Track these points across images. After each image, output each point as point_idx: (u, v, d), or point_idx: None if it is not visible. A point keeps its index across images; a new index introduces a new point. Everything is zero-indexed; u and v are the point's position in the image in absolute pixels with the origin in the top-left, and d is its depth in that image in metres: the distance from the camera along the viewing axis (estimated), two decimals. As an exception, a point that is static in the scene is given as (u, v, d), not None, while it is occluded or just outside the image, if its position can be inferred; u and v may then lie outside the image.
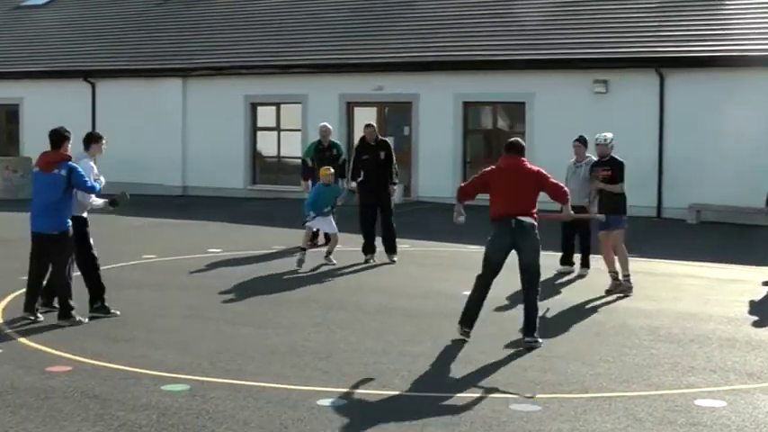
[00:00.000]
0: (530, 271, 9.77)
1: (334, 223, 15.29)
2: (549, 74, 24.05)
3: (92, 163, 11.09)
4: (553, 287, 13.20)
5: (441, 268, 14.75)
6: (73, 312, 10.62)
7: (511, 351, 9.49)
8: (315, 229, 15.75)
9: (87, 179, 10.64)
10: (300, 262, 14.67)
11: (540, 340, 9.68)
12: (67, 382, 8.23)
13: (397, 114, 26.51)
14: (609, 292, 12.75)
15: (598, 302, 12.23)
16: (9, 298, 11.95)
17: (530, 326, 9.71)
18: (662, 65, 22.65)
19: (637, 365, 9.03)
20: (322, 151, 17.29)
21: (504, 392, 8.05)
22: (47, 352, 9.34)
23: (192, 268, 14.68)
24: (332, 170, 15.54)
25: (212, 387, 8.11)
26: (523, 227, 9.69)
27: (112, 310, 11.04)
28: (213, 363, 8.95)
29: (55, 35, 32.90)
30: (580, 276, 14.17)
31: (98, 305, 11.02)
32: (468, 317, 9.89)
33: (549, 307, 11.62)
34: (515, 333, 10.23)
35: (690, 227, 21.27)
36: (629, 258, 13.02)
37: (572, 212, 10.51)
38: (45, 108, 29.44)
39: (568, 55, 23.89)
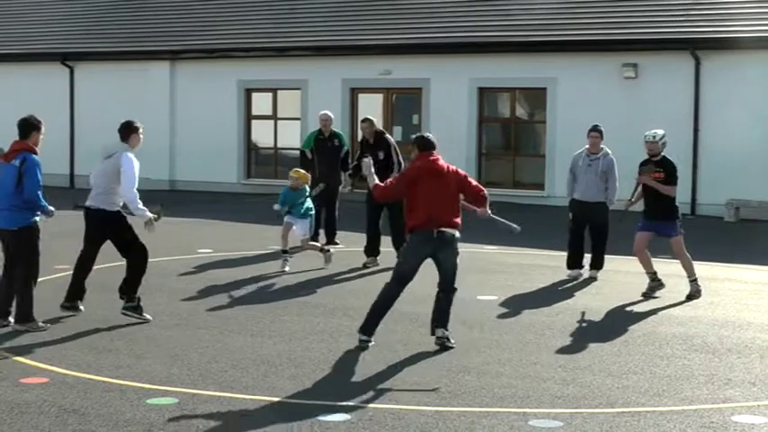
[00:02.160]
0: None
1: (307, 228, 15.14)
2: (572, 57, 24.05)
3: (133, 157, 11.15)
4: (571, 292, 13.21)
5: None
6: (33, 316, 10.67)
7: (529, 361, 9.52)
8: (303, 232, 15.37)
9: (40, 181, 10.65)
10: (283, 264, 14.70)
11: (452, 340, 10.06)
12: (44, 396, 8.26)
13: (406, 101, 26.54)
14: (645, 295, 12.84)
15: (625, 308, 12.24)
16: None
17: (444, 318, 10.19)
18: (697, 46, 22.62)
19: (668, 377, 9.05)
20: (323, 141, 17.33)
21: (523, 407, 8.07)
22: (21, 362, 9.38)
23: (181, 271, 14.72)
24: (302, 171, 15.34)
25: (202, 401, 8.15)
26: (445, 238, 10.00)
27: (145, 314, 11.20)
28: (204, 374, 8.99)
29: (29, 14, 32.97)
30: (592, 279, 14.14)
31: (133, 304, 11.17)
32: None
33: (584, 311, 11.66)
34: (534, 341, 10.26)
35: (727, 225, 21.27)
36: (660, 260, 13.04)
37: (490, 212, 10.50)
38: (18, 94, 29.51)
39: (594, 36, 23.89)
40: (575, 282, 13.95)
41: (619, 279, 14.08)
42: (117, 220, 11.23)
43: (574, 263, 14.26)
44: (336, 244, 16.81)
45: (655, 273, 13.05)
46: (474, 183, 10.36)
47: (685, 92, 22.77)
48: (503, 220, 10.92)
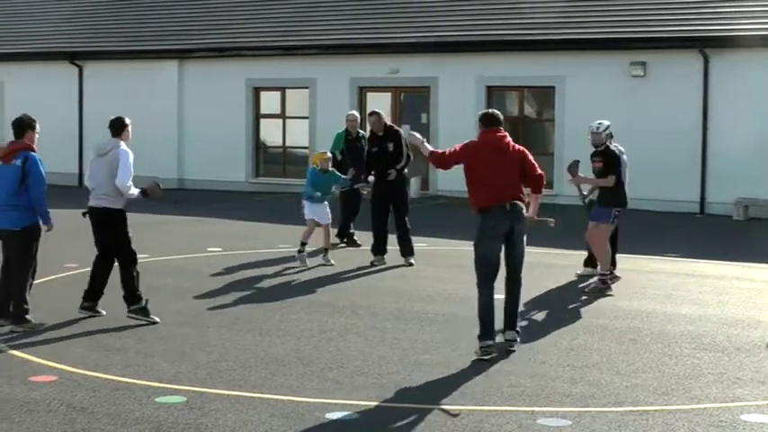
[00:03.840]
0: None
1: (328, 211, 15.25)
2: (580, 55, 24.01)
3: (127, 148, 11.21)
4: (579, 291, 13.17)
5: (462, 270, 14.71)
6: (28, 317, 10.65)
7: (537, 360, 9.50)
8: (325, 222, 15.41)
9: (44, 179, 10.70)
10: (302, 259, 14.78)
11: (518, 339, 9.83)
12: (52, 394, 8.27)
13: (414, 100, 26.52)
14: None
15: (634, 306, 12.22)
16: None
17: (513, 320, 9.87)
18: (706, 45, 22.56)
19: (677, 376, 9.03)
20: (352, 142, 17.15)
21: (531, 405, 8.06)
22: (30, 360, 9.40)
23: (190, 269, 14.73)
24: (329, 154, 15.52)
25: (211, 399, 8.15)
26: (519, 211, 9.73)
27: (152, 316, 11.10)
28: (212, 372, 8.99)
29: (38, 13, 33.02)
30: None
31: (140, 305, 11.09)
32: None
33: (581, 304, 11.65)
34: (542, 340, 10.25)
35: (736, 224, 21.22)
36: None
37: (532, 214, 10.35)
38: (28, 93, 29.56)
39: (602, 34, 23.85)
40: (584, 280, 13.88)
41: (628, 278, 14.03)
42: (120, 217, 11.19)
43: (588, 262, 14.13)
44: (357, 245, 16.80)
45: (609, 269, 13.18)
46: (534, 163, 10.05)
47: (694, 90, 22.71)
48: (537, 219, 10.80)
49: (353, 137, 17.25)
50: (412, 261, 15.18)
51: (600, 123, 13.21)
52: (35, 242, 10.76)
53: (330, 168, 15.37)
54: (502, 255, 9.75)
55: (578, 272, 14.13)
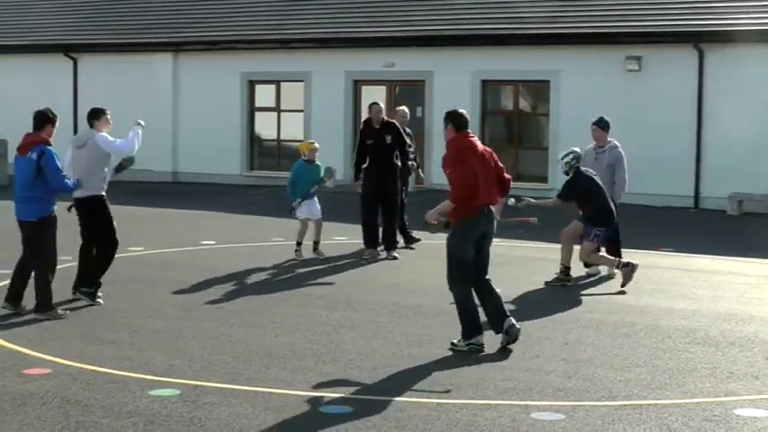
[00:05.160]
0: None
1: (318, 207, 15.24)
2: (575, 49, 24.02)
3: (106, 134, 11.60)
4: (574, 285, 13.21)
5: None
6: (52, 305, 10.88)
7: (531, 354, 9.52)
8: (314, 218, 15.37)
9: (60, 168, 10.89)
10: (300, 256, 14.83)
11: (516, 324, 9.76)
12: (46, 387, 8.27)
13: (409, 94, 26.50)
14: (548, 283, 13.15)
15: (628, 301, 12.24)
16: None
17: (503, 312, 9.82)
18: (701, 39, 22.60)
19: (671, 371, 9.05)
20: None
21: (525, 399, 8.07)
22: (24, 353, 9.39)
23: (184, 263, 14.73)
24: (316, 144, 15.46)
25: (205, 392, 8.15)
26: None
27: (98, 300, 11.46)
28: (206, 366, 8.99)
29: (32, 5, 32.93)
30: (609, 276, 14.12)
31: (88, 289, 11.45)
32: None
33: (573, 306, 11.67)
34: (536, 334, 10.26)
35: (730, 218, 21.25)
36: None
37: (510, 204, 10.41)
38: (21, 86, 29.52)
39: (597, 29, 23.87)
40: (587, 276, 13.86)
41: (622, 272, 14.04)
42: (103, 203, 11.57)
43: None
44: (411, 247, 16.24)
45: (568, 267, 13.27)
46: (502, 165, 10.01)
47: (689, 85, 22.74)
48: (520, 219, 10.80)
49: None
50: (395, 255, 15.18)
51: (561, 153, 13.37)
52: (48, 231, 10.91)
53: (316, 161, 15.28)
54: None
55: (587, 271, 14.01)
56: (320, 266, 14.44)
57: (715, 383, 8.65)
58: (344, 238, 16.91)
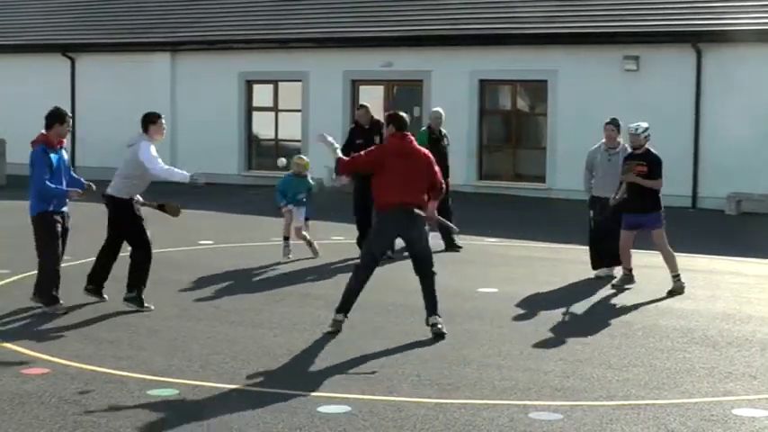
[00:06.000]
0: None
1: (303, 216, 15.07)
2: (573, 49, 24.03)
3: (152, 146, 11.45)
4: (572, 285, 13.22)
5: (456, 263, 14.76)
6: (53, 295, 11.09)
7: (529, 354, 9.53)
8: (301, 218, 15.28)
9: (43, 169, 10.86)
10: (287, 253, 14.81)
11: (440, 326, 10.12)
12: (44, 386, 8.27)
13: (407, 93, 26.51)
14: (615, 287, 12.90)
15: (626, 301, 12.25)
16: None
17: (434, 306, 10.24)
18: (699, 39, 22.60)
19: (668, 370, 9.06)
20: (435, 141, 15.72)
21: (523, 399, 8.09)
22: (22, 353, 9.39)
23: (182, 262, 14.73)
24: (306, 159, 15.43)
25: (204, 392, 8.16)
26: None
27: (147, 305, 11.37)
28: (204, 365, 9.00)
29: (30, 5, 32.90)
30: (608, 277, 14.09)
31: (133, 294, 11.36)
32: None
33: (573, 307, 11.69)
34: (534, 334, 10.28)
35: (729, 218, 21.27)
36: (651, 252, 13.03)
37: (435, 213, 10.65)
38: (19, 85, 29.50)
39: (595, 28, 23.87)
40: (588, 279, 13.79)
41: (619, 273, 14.05)
42: (124, 207, 11.45)
43: (599, 263, 13.79)
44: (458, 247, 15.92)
45: (631, 269, 13.09)
46: (437, 171, 10.39)
47: (687, 85, 22.75)
48: (446, 222, 11.19)
49: (437, 135, 16.04)
50: (390, 254, 15.16)
51: (638, 125, 12.97)
52: (43, 230, 11.02)
53: (305, 174, 15.24)
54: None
55: (596, 273, 13.89)
56: (318, 266, 14.44)
57: (713, 383, 8.66)
58: (342, 237, 16.91)
